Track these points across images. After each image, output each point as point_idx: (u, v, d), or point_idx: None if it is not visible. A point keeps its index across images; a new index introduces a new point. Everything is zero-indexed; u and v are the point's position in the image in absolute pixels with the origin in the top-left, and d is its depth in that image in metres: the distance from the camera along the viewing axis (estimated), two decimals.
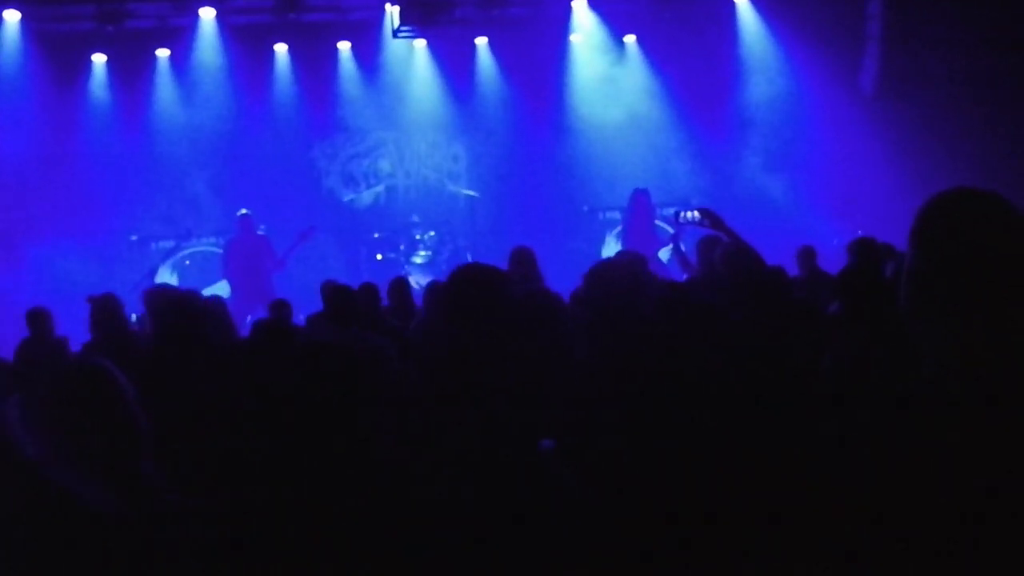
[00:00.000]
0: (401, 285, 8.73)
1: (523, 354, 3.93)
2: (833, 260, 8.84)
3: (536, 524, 3.47)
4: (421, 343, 6.22)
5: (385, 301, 8.54)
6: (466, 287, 3.99)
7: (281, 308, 8.11)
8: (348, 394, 3.77)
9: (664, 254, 11.67)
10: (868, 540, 2.40)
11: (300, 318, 8.82)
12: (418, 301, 8.83)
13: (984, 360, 2.35)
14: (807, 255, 8.70)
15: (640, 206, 12.29)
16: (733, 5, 15.14)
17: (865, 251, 7.41)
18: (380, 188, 15.70)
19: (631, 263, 5.07)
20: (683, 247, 8.89)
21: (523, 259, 8.14)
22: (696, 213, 5.30)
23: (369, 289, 7.88)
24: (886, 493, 2.43)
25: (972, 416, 2.32)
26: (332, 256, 14.21)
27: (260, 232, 12.66)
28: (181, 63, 14.59)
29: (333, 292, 7.00)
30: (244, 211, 12.56)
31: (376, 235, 14.78)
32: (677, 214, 5.55)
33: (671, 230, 11.93)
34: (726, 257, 5.11)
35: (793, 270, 7.58)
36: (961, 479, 2.30)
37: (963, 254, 2.38)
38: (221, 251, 13.05)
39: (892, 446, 2.47)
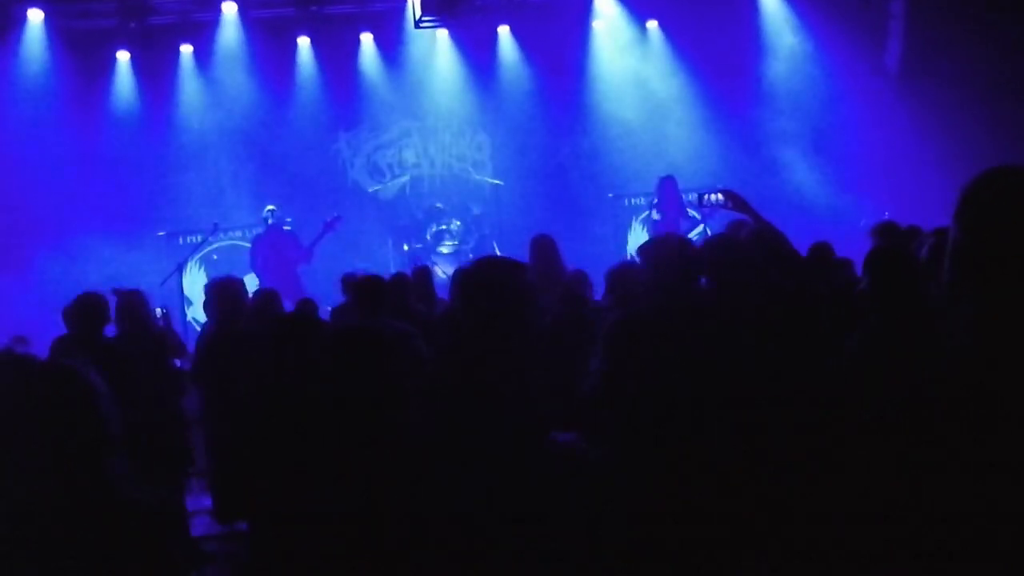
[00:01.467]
0: (425, 274, 8.74)
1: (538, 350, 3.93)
2: (860, 241, 8.75)
3: (552, 514, 3.48)
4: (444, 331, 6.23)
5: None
6: (480, 279, 3.99)
7: (306, 307, 8.14)
8: (376, 379, 3.78)
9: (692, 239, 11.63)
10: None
11: (325, 311, 8.86)
12: (442, 290, 8.85)
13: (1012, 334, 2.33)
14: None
15: (667, 192, 12.25)
16: None
17: (890, 234, 7.35)
18: (405, 178, 15.70)
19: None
20: (710, 232, 8.85)
21: (544, 248, 8.12)
22: (720, 195, 5.24)
23: (400, 279, 7.90)
24: (915, 473, 2.41)
25: (1008, 392, 2.30)
26: (358, 247, 14.21)
27: (287, 227, 12.72)
28: (204, 58, 14.65)
29: (360, 282, 7.03)
30: (271, 207, 12.63)
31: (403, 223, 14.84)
32: (700, 197, 5.49)
33: (698, 216, 11.93)
34: (752, 238, 5.08)
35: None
36: (994, 454, 2.29)
37: (1009, 230, 2.39)
38: (248, 245, 13.11)
39: (920, 427, 2.45)
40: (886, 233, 7.42)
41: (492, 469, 3.41)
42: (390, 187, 15.63)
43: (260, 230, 12.96)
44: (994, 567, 2.26)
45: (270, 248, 12.49)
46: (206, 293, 7.59)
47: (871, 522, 2.71)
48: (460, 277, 4.73)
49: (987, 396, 2.33)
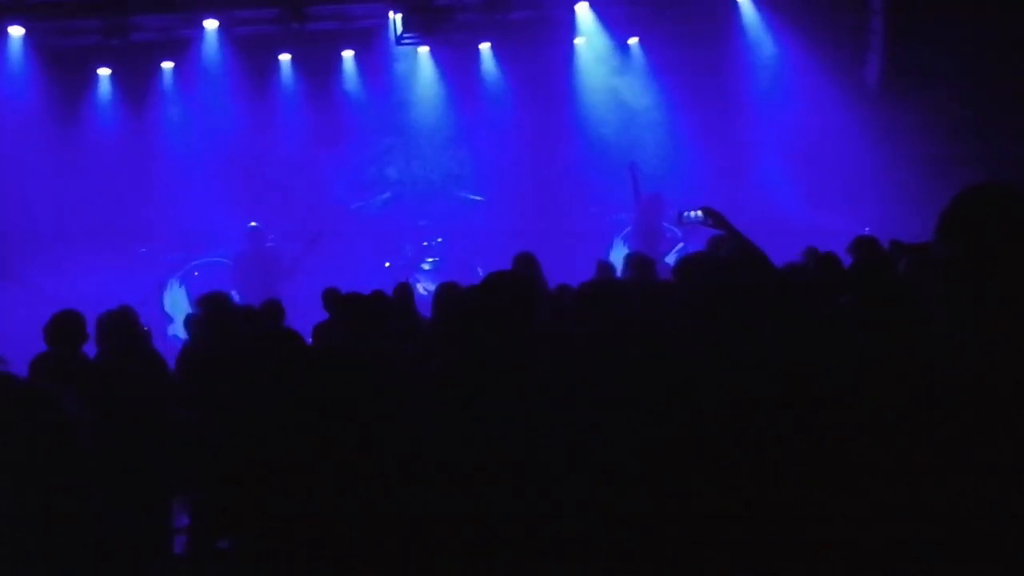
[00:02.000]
0: (406, 291, 8.74)
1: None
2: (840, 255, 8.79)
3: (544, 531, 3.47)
4: (434, 348, 6.22)
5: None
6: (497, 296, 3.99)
7: (272, 307, 8.12)
8: (359, 400, 3.78)
9: (672, 257, 11.67)
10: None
11: (307, 327, 8.84)
12: (424, 307, 8.85)
13: (1011, 348, 2.36)
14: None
15: (647, 208, 12.29)
16: (735, 4, 15.11)
17: (869, 248, 7.38)
18: (387, 195, 15.70)
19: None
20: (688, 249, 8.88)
21: (526, 264, 8.13)
22: (699, 213, 5.26)
23: (378, 296, 7.90)
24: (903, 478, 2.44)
25: (994, 404, 2.34)
26: (340, 264, 14.20)
27: (269, 244, 12.72)
28: (186, 75, 14.65)
29: (341, 299, 7.03)
30: (254, 224, 12.62)
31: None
32: (680, 214, 5.52)
33: (678, 233, 11.99)
34: (731, 255, 5.09)
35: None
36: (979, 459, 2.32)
37: (994, 246, 2.44)
38: (230, 262, 13.10)
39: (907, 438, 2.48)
40: (867, 247, 7.46)
41: (489, 482, 3.42)
42: (372, 204, 15.62)
43: (243, 247, 12.94)
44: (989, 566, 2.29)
45: (252, 265, 12.48)
46: (196, 308, 7.56)
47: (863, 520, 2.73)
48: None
49: (992, 407, 2.36)
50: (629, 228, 12.98)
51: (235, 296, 12.08)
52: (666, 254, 11.90)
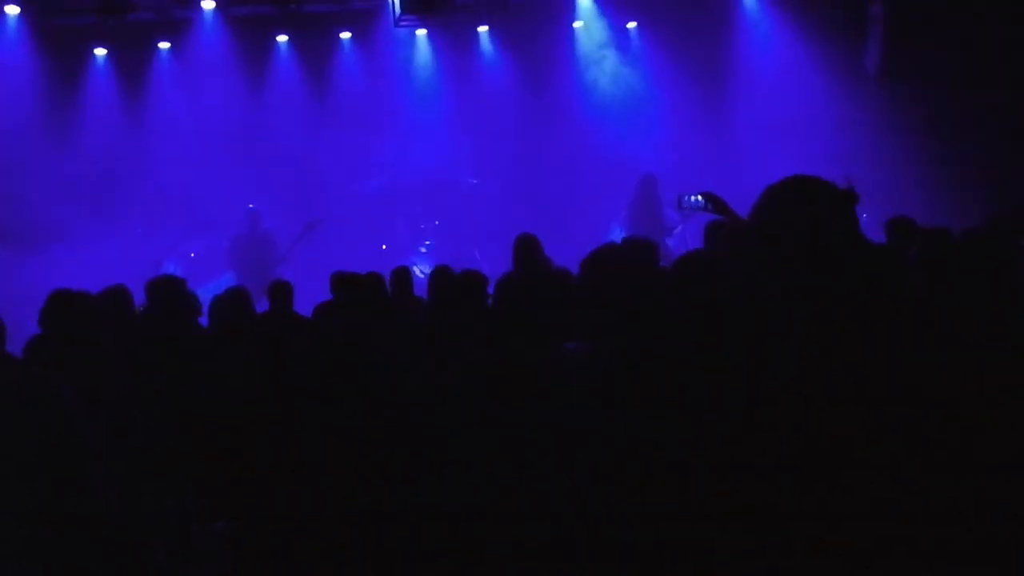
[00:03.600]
0: (403, 274, 8.71)
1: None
2: None
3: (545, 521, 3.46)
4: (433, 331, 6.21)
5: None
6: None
7: (281, 289, 8.05)
8: (359, 379, 3.76)
9: (670, 241, 11.64)
10: None
11: (307, 309, 8.80)
12: (420, 290, 8.83)
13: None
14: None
15: (644, 191, 12.24)
16: None
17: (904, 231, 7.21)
18: (384, 178, 15.64)
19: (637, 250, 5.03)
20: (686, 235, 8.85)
21: (528, 247, 8.12)
22: (699, 197, 5.24)
23: (375, 278, 7.87)
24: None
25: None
26: (337, 247, 14.15)
27: (265, 228, 12.69)
28: (183, 55, 14.60)
29: (340, 281, 7.00)
30: (251, 207, 12.59)
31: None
32: (679, 199, 5.49)
33: (677, 217, 11.94)
34: (728, 240, 5.08)
35: None
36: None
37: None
38: (227, 243, 13.06)
39: None
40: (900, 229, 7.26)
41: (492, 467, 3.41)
42: (369, 186, 15.56)
43: (239, 229, 12.90)
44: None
45: (249, 248, 12.44)
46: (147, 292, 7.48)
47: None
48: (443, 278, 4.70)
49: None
50: (625, 211, 12.91)
51: (231, 278, 12.07)
52: (665, 237, 11.86)
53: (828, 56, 14.34)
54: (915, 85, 13.53)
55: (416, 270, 12.00)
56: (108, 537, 2.57)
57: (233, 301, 6.86)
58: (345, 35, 15.14)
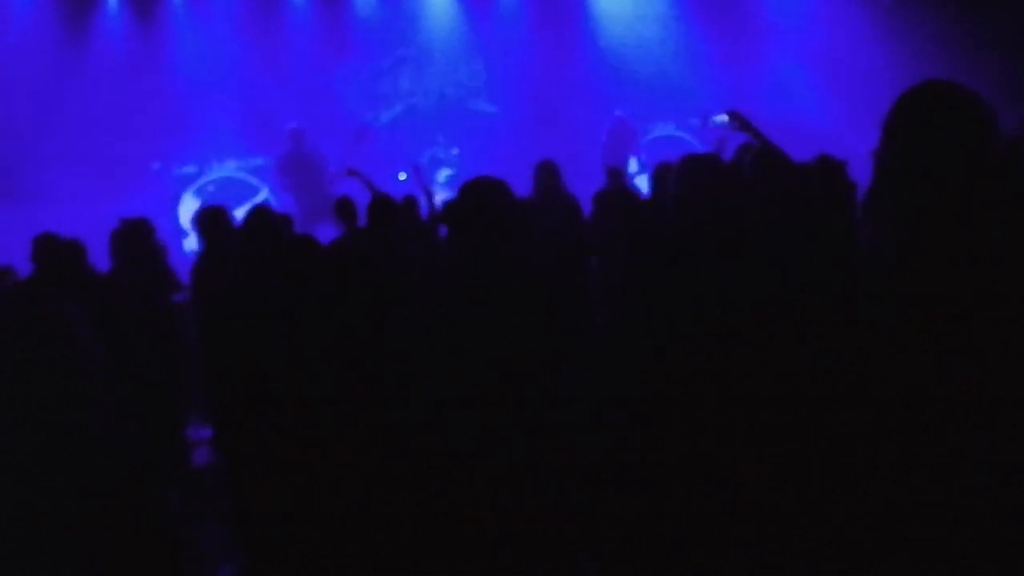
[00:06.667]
0: (413, 205, 8.68)
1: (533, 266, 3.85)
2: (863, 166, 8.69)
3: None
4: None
5: None
6: (468, 200, 3.94)
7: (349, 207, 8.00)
8: (381, 299, 3.73)
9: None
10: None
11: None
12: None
13: (933, 252, 2.36)
14: None
15: (615, 134, 12.24)
16: None
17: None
18: (401, 107, 15.54)
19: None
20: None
21: (548, 173, 8.07)
22: (725, 116, 5.18)
23: (410, 200, 7.91)
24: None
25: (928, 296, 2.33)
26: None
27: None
28: None
29: (375, 203, 6.96)
30: (294, 125, 12.46)
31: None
32: (705, 118, 5.42)
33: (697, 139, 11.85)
34: (755, 160, 5.01)
35: None
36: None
37: (925, 150, 2.42)
38: (272, 163, 12.89)
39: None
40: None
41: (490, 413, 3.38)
42: (385, 116, 15.47)
43: (285, 149, 12.67)
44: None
45: (296, 167, 12.23)
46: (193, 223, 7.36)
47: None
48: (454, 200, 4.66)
49: (909, 301, 2.36)
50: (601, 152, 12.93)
51: (271, 200, 11.92)
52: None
53: None
54: (930, 11, 13.35)
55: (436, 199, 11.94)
56: (110, 464, 2.52)
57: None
58: None
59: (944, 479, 2.28)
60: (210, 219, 7.07)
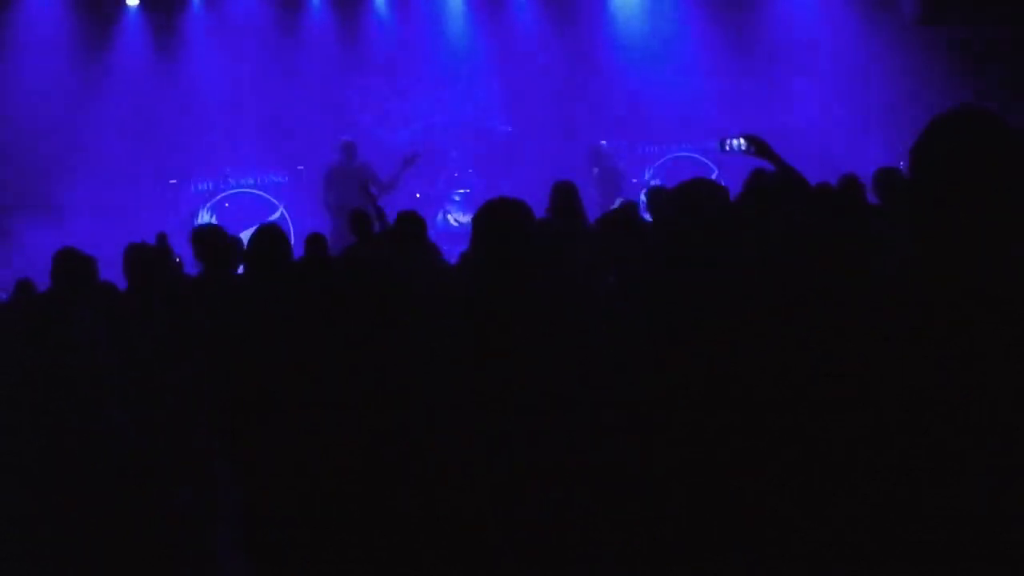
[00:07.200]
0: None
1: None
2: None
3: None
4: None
5: None
6: (488, 221, 3.96)
7: (317, 243, 8.04)
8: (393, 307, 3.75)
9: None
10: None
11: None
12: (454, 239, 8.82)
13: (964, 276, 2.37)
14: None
15: (593, 163, 12.29)
16: None
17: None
18: (417, 126, 15.56)
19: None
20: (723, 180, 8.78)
21: (566, 193, 8.06)
22: (742, 141, 5.12)
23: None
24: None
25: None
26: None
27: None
28: (214, 5, 14.56)
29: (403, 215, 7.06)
30: (345, 138, 12.40)
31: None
32: (722, 143, 5.38)
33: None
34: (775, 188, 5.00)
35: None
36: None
37: (958, 174, 2.42)
38: (321, 176, 12.86)
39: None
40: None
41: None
42: (402, 135, 15.48)
43: (336, 160, 12.60)
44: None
45: (346, 179, 12.05)
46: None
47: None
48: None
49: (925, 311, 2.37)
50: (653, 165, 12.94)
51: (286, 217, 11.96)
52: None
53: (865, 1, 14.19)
54: (954, 25, 13.33)
55: (450, 218, 11.96)
56: (121, 465, 2.55)
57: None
58: None
59: (945, 483, 2.30)
60: (208, 237, 7.12)
